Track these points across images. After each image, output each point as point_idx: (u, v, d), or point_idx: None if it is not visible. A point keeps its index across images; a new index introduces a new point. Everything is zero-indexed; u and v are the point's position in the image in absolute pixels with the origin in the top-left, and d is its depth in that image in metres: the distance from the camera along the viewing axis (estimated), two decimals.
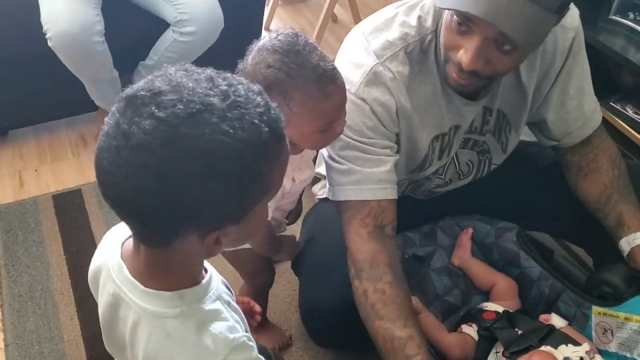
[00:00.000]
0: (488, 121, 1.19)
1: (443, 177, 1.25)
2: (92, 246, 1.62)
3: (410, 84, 1.08)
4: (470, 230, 1.29)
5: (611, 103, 1.93)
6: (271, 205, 1.09)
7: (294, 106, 0.91)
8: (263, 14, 2.17)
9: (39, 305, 1.49)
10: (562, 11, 0.95)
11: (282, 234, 1.27)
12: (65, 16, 1.63)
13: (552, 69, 1.15)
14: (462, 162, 1.26)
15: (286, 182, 1.05)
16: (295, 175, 1.07)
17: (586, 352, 1.05)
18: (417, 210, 1.26)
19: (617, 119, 1.91)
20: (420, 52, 1.07)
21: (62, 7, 1.64)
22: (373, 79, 1.04)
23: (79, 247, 1.64)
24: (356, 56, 1.07)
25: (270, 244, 1.18)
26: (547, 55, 1.13)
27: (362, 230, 1.07)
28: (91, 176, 1.89)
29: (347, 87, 0.98)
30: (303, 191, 1.26)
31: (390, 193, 1.08)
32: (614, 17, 1.86)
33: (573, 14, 1.14)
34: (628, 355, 1.08)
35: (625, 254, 1.13)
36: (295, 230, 1.41)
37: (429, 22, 1.06)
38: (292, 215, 1.28)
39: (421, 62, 1.07)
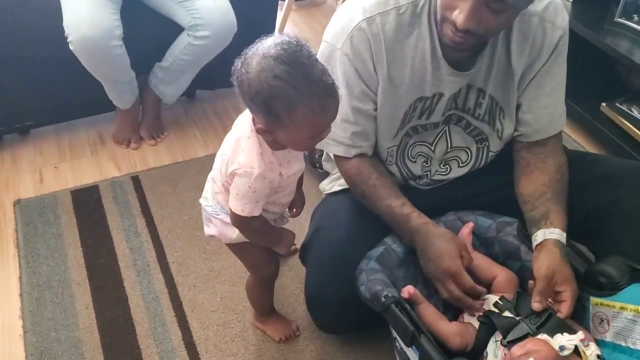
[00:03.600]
0: (481, 104, 1.25)
1: (432, 148, 1.32)
2: (107, 239, 1.69)
3: (395, 45, 1.15)
4: (472, 224, 1.32)
5: (617, 104, 1.96)
6: (267, 200, 1.13)
7: (295, 118, 0.95)
8: (275, 18, 2.23)
9: (57, 295, 1.55)
10: None
11: (283, 226, 1.30)
12: (87, 22, 1.70)
13: (537, 62, 1.21)
14: (455, 142, 1.31)
15: (274, 177, 1.08)
16: (283, 170, 1.10)
17: (581, 340, 1.07)
18: (421, 206, 1.30)
19: (623, 120, 1.93)
20: (413, 15, 1.14)
21: (84, 13, 1.71)
22: (357, 35, 1.14)
23: (95, 240, 1.70)
24: (349, 10, 1.16)
25: (267, 234, 1.21)
26: (536, 47, 1.19)
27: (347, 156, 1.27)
28: (108, 173, 1.95)
29: (336, 40, 1.13)
30: (302, 182, 1.30)
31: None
32: (619, 19, 1.89)
33: (564, 16, 1.20)
34: (623, 344, 1.10)
35: (536, 243, 1.19)
36: (304, 224, 1.45)
37: None
38: (297, 207, 1.31)
39: (413, 25, 1.14)
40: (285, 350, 1.43)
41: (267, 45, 0.94)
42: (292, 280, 1.59)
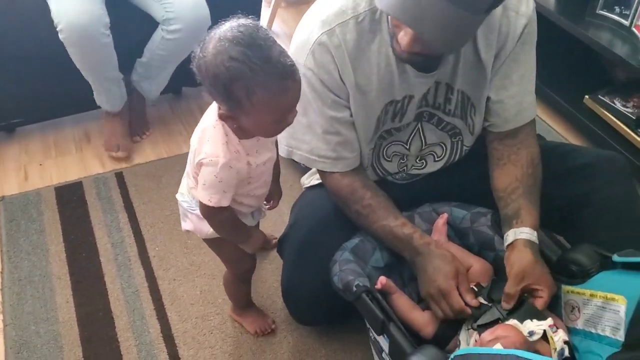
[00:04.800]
0: (450, 100, 1.24)
1: (407, 147, 1.31)
2: (89, 234, 1.70)
3: (358, 53, 1.14)
4: (446, 215, 1.32)
5: (600, 96, 1.96)
6: (238, 192, 1.13)
7: (255, 101, 0.95)
8: (259, 15, 2.24)
9: (37, 289, 1.56)
10: (490, 10, 1.01)
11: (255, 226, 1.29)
12: (75, 9, 1.72)
13: (503, 51, 1.19)
14: (429, 139, 1.30)
15: (241, 166, 1.08)
16: (251, 159, 1.09)
17: (549, 326, 1.07)
18: (398, 199, 1.30)
19: (605, 112, 1.93)
20: (372, 22, 1.13)
21: (71, 1, 1.73)
22: (318, 49, 1.13)
23: (77, 235, 1.71)
24: (308, 24, 1.15)
25: (235, 229, 1.20)
26: (502, 37, 1.18)
27: (336, 174, 1.24)
28: (93, 170, 1.96)
29: (297, 56, 1.10)
30: (279, 174, 1.30)
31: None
32: (601, 11, 1.89)
33: (528, 3, 1.18)
34: (593, 331, 1.11)
35: (507, 243, 1.18)
36: (285, 218, 1.46)
37: None
38: (274, 199, 1.32)
39: (374, 31, 1.13)
40: (262, 342, 1.44)
41: (224, 28, 0.94)
42: (271, 273, 1.59)
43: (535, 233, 1.18)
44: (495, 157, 1.29)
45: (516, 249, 1.16)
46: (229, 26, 0.95)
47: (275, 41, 0.96)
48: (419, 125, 1.29)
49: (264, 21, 2.66)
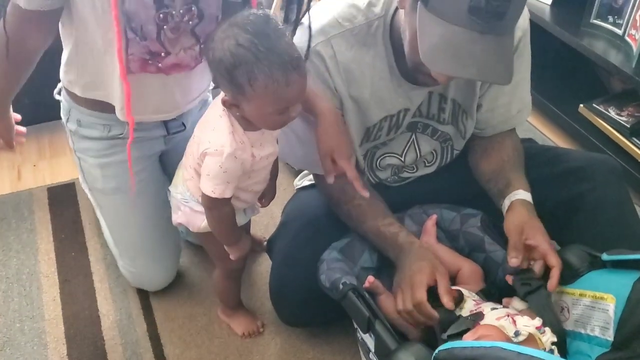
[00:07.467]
0: (444, 109, 1.24)
1: (402, 159, 1.30)
2: (79, 234, 1.69)
3: (352, 65, 1.14)
4: (435, 217, 1.31)
5: (594, 105, 1.96)
6: (237, 186, 1.13)
7: (256, 87, 0.97)
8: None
9: (24, 287, 1.55)
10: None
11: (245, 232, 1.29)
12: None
13: None
14: (423, 150, 1.30)
15: (245, 157, 1.08)
16: (255, 151, 1.10)
17: (537, 328, 1.05)
18: (389, 200, 1.29)
19: (600, 120, 1.93)
20: (368, 35, 1.12)
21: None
22: (312, 58, 1.12)
23: (67, 235, 1.70)
24: (303, 33, 1.14)
25: (230, 227, 1.19)
26: None
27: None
28: None
29: None
30: (277, 173, 1.30)
31: None
32: (594, 21, 1.90)
33: (524, 15, 1.17)
34: (582, 331, 1.09)
35: (505, 209, 1.19)
36: (277, 220, 1.45)
37: (378, 8, 1.12)
38: (267, 198, 1.31)
39: (369, 45, 1.13)
40: (250, 343, 1.42)
41: (237, 17, 0.98)
42: (260, 276, 1.58)
43: (528, 194, 1.19)
44: (478, 151, 1.32)
45: (511, 210, 1.17)
46: (242, 15, 0.98)
47: (285, 34, 0.99)
48: (414, 136, 1.29)
49: None
